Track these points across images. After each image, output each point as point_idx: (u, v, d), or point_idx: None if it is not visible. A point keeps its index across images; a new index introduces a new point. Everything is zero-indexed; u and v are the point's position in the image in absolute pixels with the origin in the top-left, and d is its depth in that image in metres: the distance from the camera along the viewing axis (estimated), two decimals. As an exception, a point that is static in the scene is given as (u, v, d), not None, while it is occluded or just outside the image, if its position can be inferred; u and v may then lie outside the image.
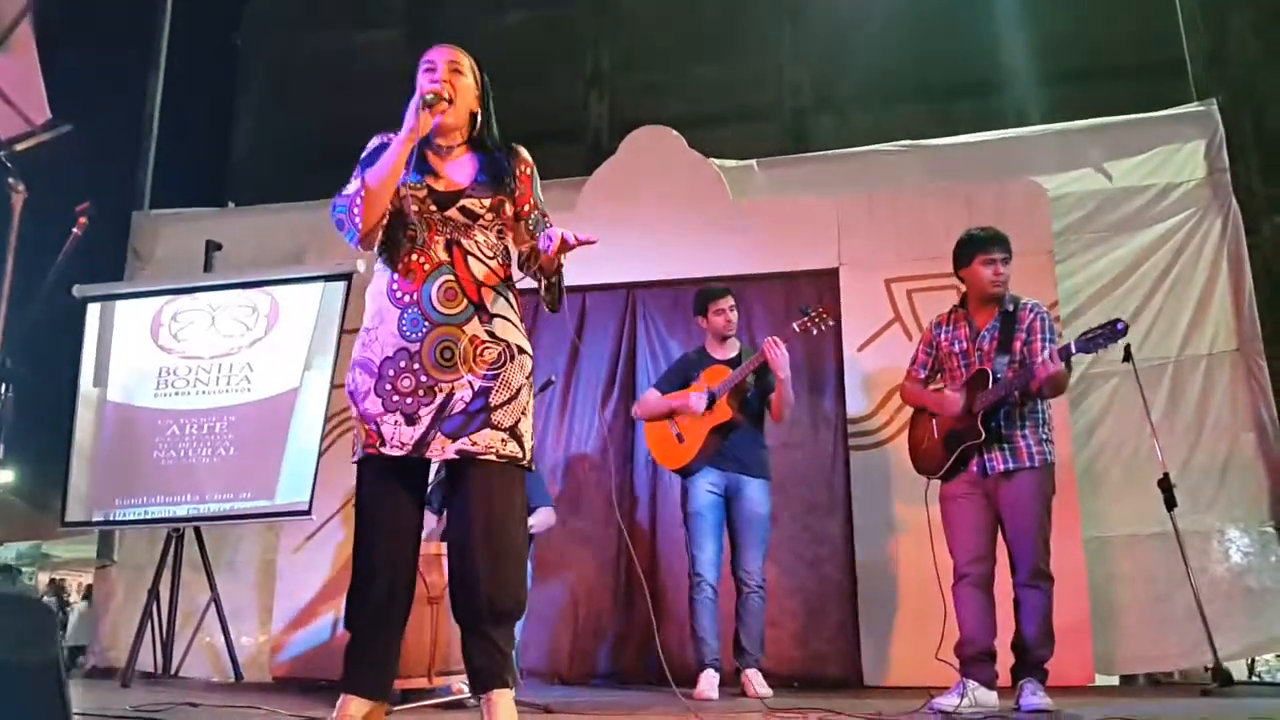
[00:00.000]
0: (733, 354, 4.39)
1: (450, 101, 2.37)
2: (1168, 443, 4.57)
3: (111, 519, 5.28)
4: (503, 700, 2.22)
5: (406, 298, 2.33)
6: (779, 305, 5.23)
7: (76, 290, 5.55)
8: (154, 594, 5.01)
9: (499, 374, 2.32)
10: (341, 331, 5.11)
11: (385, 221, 2.36)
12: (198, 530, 5.20)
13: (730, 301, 4.40)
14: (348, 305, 5.13)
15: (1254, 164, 7.05)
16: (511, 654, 2.32)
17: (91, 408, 5.41)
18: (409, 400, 2.28)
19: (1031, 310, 3.59)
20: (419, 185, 2.37)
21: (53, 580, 14.75)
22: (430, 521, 4.59)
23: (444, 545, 4.01)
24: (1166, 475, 4.27)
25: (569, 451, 5.38)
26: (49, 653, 1.40)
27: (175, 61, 6.85)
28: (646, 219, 5.43)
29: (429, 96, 2.30)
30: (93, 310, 5.53)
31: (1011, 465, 3.45)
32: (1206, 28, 6.78)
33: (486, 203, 2.39)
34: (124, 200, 6.49)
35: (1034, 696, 3.26)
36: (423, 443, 2.27)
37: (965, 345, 3.64)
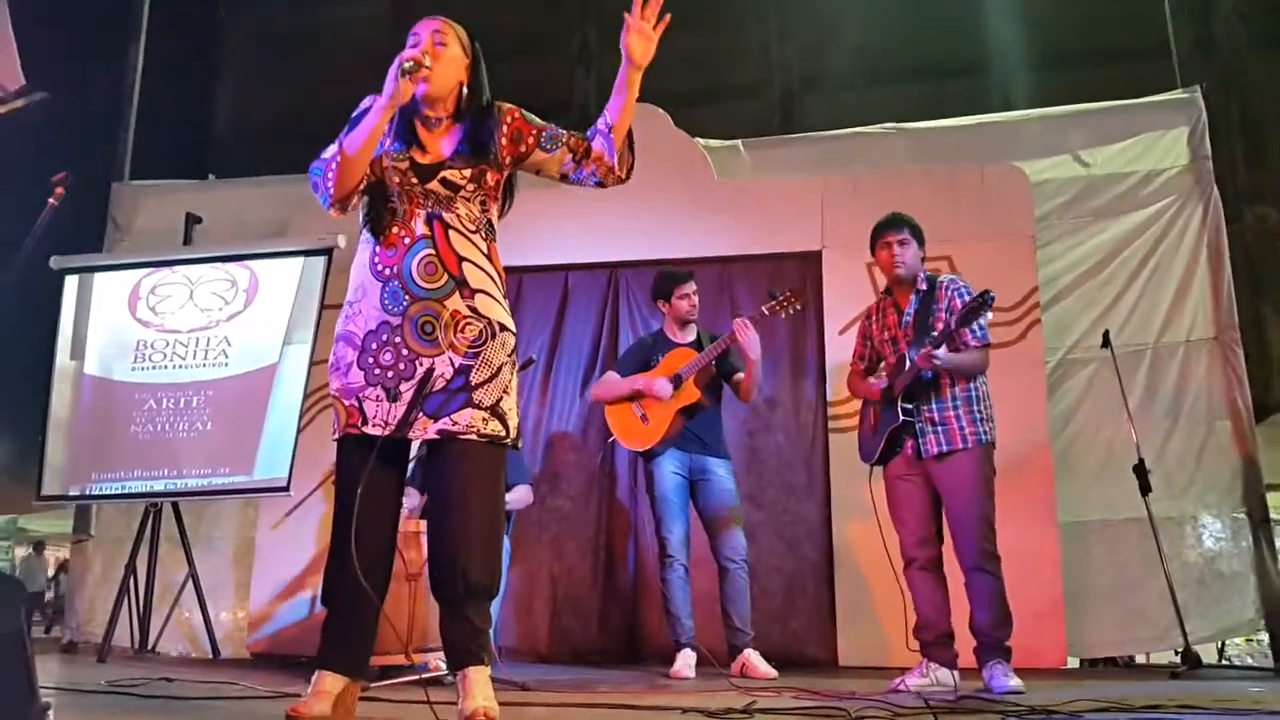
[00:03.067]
0: (692, 338, 4.39)
1: (429, 69, 2.33)
2: (1144, 429, 4.61)
3: (88, 493, 5.25)
4: (478, 677, 2.23)
5: (387, 270, 2.31)
6: (762, 287, 5.22)
7: (54, 262, 5.50)
8: (131, 569, 4.99)
9: (480, 352, 2.30)
10: (322, 307, 5.07)
11: (362, 189, 2.35)
12: (175, 505, 5.18)
13: (694, 286, 4.39)
14: (328, 280, 5.10)
15: (1237, 151, 7.09)
16: (488, 631, 2.32)
17: (68, 381, 5.37)
18: (390, 374, 2.27)
19: (948, 287, 3.62)
20: (402, 156, 2.36)
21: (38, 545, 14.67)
22: (412, 498, 4.59)
23: (423, 523, 4.02)
24: (1142, 461, 4.32)
25: (549, 430, 5.38)
26: (12, 624, 1.39)
27: (157, 32, 6.76)
28: (630, 197, 5.36)
29: (407, 64, 2.27)
30: (70, 282, 5.48)
31: (945, 447, 3.48)
32: (1192, 15, 6.81)
33: (467, 173, 2.37)
34: (104, 171, 6.42)
35: (1005, 678, 3.30)
36: (405, 422, 2.27)
37: (894, 331, 3.69)
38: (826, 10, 7.84)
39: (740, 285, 5.34)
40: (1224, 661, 6.48)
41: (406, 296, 2.28)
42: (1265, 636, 4.89)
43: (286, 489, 4.89)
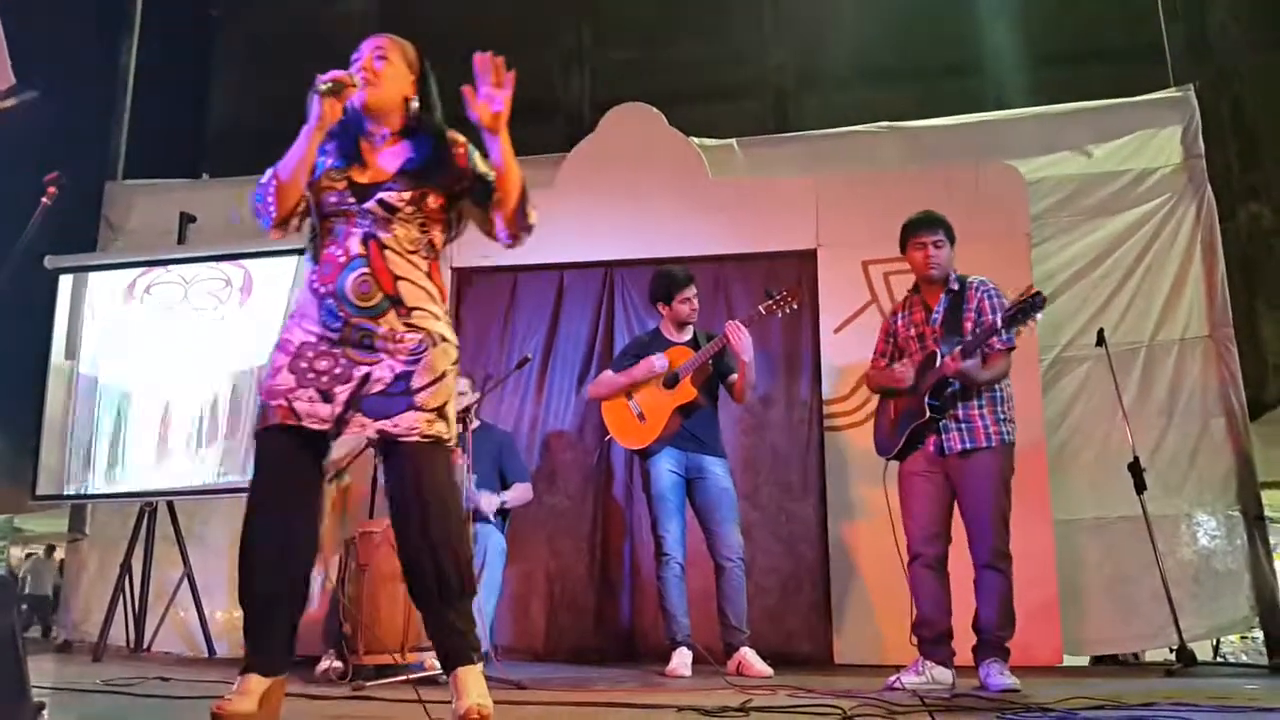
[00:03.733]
0: (688, 337, 4.38)
1: (355, 86, 2.34)
2: (1138, 427, 4.62)
3: (83, 493, 5.24)
4: (470, 676, 2.22)
5: (323, 288, 2.32)
6: (757, 285, 5.22)
7: (48, 261, 5.50)
8: (126, 568, 4.99)
9: (420, 358, 2.30)
10: (317, 306, 5.08)
11: (302, 210, 2.38)
12: (170, 505, 5.17)
13: (695, 289, 4.38)
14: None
15: (1230, 150, 7.11)
16: (473, 629, 2.31)
17: (63, 380, 5.36)
18: (324, 378, 2.28)
19: (978, 289, 3.62)
20: (340, 175, 2.37)
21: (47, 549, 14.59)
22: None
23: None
24: (1137, 459, 4.33)
25: (545, 429, 5.37)
26: (4, 621, 1.38)
27: (150, 30, 6.75)
28: (625, 196, 5.41)
29: (324, 86, 2.27)
30: (64, 281, 5.48)
31: (969, 445, 3.48)
32: (1186, 14, 6.82)
33: (406, 196, 2.35)
34: (97, 170, 6.41)
35: (1001, 676, 3.31)
36: (341, 420, 2.27)
37: (920, 328, 3.68)
38: (821, 10, 7.84)
39: (735, 284, 5.35)
40: (1219, 659, 6.49)
41: (342, 314, 2.29)
42: (1260, 634, 4.90)
43: (281, 488, 4.87)
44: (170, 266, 5.41)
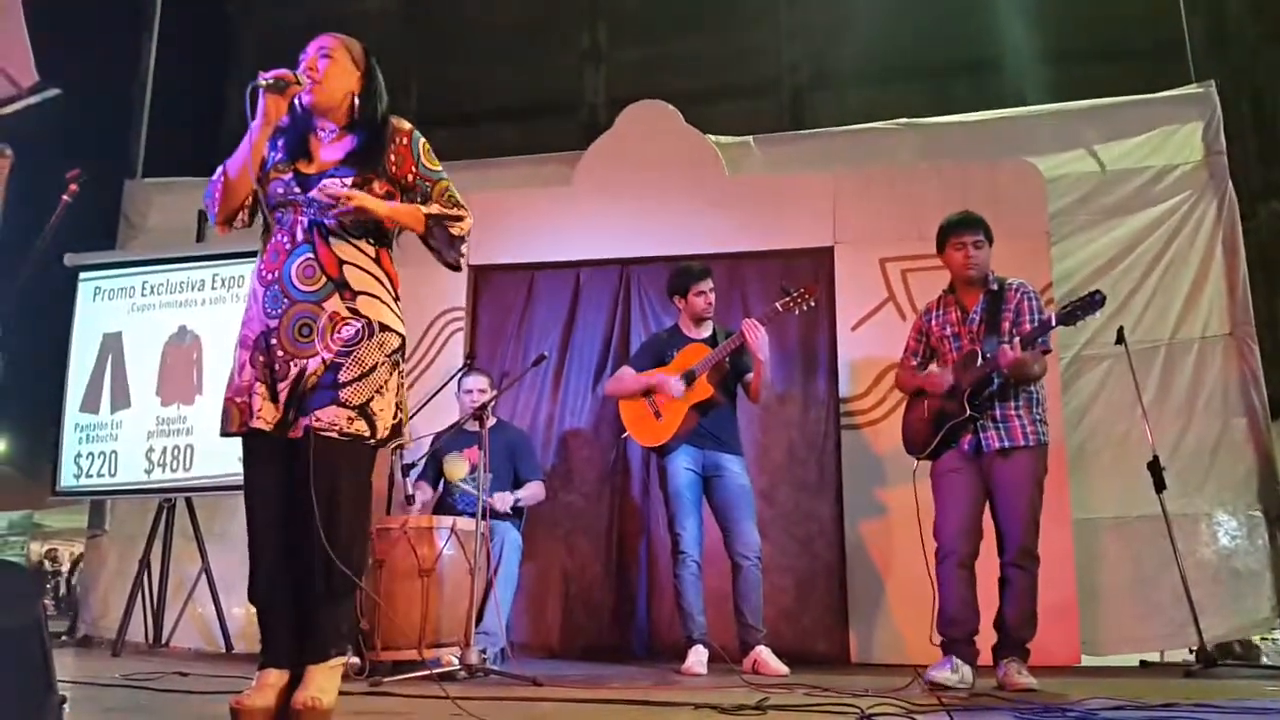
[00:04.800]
0: (707, 333, 4.37)
1: (301, 84, 2.40)
2: (1158, 426, 4.58)
3: (102, 489, 5.28)
4: (320, 672, 2.27)
5: (269, 275, 2.40)
6: (774, 283, 5.20)
7: (68, 259, 5.55)
8: (145, 564, 5.02)
9: (351, 351, 2.34)
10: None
11: (248, 205, 2.48)
12: (189, 501, 5.21)
13: (711, 283, 4.37)
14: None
15: (1251, 147, 7.05)
16: (341, 628, 2.37)
17: (82, 377, 5.41)
18: (269, 374, 2.34)
19: (1018, 290, 3.61)
20: (286, 167, 2.44)
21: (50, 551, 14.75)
22: (425, 493, 4.61)
23: (435, 518, 4.03)
24: (1156, 458, 4.29)
25: (562, 427, 5.37)
26: (31, 615, 1.40)
27: (169, 28, 6.78)
28: (642, 194, 5.40)
29: (264, 81, 2.33)
30: (84, 279, 5.53)
31: (1007, 444, 3.47)
32: (1206, 9, 6.76)
33: (349, 181, 2.40)
34: (117, 168, 6.45)
35: (1019, 676, 3.30)
36: (284, 423, 2.32)
37: (956, 328, 3.66)
38: (837, 8, 7.81)
39: (752, 281, 5.33)
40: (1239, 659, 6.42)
41: (285, 299, 2.35)
42: (1280, 635, 4.86)
43: (299, 485, 4.90)
44: (189, 264, 5.44)
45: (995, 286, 3.64)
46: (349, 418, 2.31)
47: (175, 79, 6.84)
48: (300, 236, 2.39)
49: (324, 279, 2.36)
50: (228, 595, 5.22)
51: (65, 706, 1.76)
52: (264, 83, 2.32)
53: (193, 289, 5.40)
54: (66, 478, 5.34)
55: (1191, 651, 4.51)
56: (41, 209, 4.24)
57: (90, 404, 5.37)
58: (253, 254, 5.34)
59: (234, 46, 9.04)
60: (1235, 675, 4.24)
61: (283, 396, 2.32)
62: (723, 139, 5.62)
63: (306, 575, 2.29)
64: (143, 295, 5.45)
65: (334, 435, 2.29)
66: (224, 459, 5.05)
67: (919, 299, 4.77)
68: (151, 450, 5.19)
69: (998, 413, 3.51)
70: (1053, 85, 6.41)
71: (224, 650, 5.03)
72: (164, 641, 5.08)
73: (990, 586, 3.48)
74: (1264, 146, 7.24)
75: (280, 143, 2.47)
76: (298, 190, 2.40)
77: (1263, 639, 5.07)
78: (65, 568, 14.53)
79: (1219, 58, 6.76)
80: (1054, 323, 3.40)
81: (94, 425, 5.34)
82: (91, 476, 5.28)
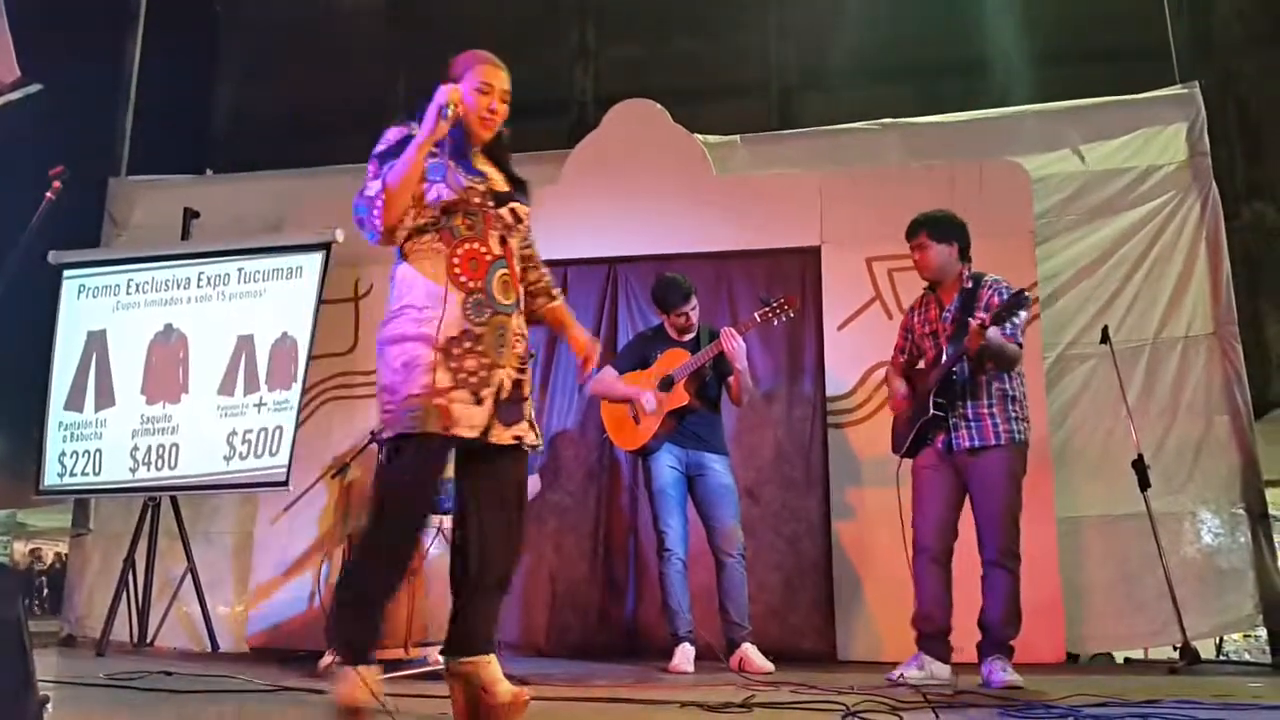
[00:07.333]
0: (691, 336, 4.37)
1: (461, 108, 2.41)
2: (1142, 424, 4.62)
3: (87, 487, 5.25)
4: (496, 665, 2.34)
5: (471, 284, 2.38)
6: (760, 282, 5.22)
7: (52, 257, 5.51)
8: (130, 563, 5.00)
9: (525, 368, 2.46)
10: (320, 302, 5.08)
11: (411, 217, 2.39)
12: (174, 500, 5.18)
13: (694, 303, 4.35)
14: (326, 275, 5.11)
15: (1235, 149, 7.08)
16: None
17: (66, 375, 5.37)
18: (474, 379, 2.33)
19: (990, 287, 3.63)
20: (479, 180, 2.45)
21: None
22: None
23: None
24: (1141, 456, 4.32)
25: (549, 426, 5.37)
26: (10, 612, 1.39)
27: (154, 25, 6.74)
28: (629, 193, 5.40)
29: (449, 110, 2.34)
30: (67, 277, 5.49)
31: (978, 442, 3.49)
32: (1191, 11, 6.79)
33: (526, 209, 2.54)
34: (101, 166, 6.41)
35: (1003, 673, 3.31)
36: (488, 428, 2.34)
37: (934, 325, 3.70)
38: (825, 7, 7.82)
39: (738, 281, 5.34)
40: (1221, 657, 6.48)
41: (488, 309, 2.38)
42: (1263, 632, 4.90)
43: (285, 483, 4.89)
44: (173, 262, 5.41)
45: (970, 284, 3.67)
46: (535, 433, 2.46)
47: (160, 76, 6.80)
48: (497, 249, 2.43)
49: (514, 295, 2.46)
50: (213, 594, 5.21)
51: (48, 706, 1.75)
52: (450, 110, 2.33)
53: (178, 287, 5.36)
54: (50, 476, 5.30)
55: (1175, 649, 4.53)
56: (25, 206, 4.21)
57: (74, 402, 5.34)
58: (237, 252, 5.34)
59: (220, 43, 8.98)
60: (1219, 672, 4.27)
61: (488, 402, 2.34)
62: (710, 138, 5.63)
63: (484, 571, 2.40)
64: (127, 293, 5.41)
65: (525, 449, 2.43)
66: (209, 458, 5.04)
67: (905, 298, 4.78)
68: (136, 449, 5.15)
69: (969, 411, 3.53)
70: (1039, 86, 6.42)
71: (209, 649, 5.01)
72: (149, 641, 5.06)
73: (975, 585, 3.49)
74: (1247, 148, 7.28)
75: (446, 150, 2.43)
76: (491, 204, 2.45)
77: (1245, 636, 5.12)
78: (46, 565, 14.43)
79: (1203, 59, 6.79)
80: (987, 324, 3.41)
81: (78, 424, 5.30)
82: (75, 475, 5.24)
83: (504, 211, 2.47)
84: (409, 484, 2.33)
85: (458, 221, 2.41)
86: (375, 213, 2.35)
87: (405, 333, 2.35)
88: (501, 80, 2.52)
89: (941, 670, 3.45)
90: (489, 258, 2.41)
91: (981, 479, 3.49)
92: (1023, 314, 3.44)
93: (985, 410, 3.52)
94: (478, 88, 2.47)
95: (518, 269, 2.51)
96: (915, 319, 3.82)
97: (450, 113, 2.34)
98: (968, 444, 3.50)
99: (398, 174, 2.33)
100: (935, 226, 3.72)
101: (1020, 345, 3.57)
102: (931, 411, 3.54)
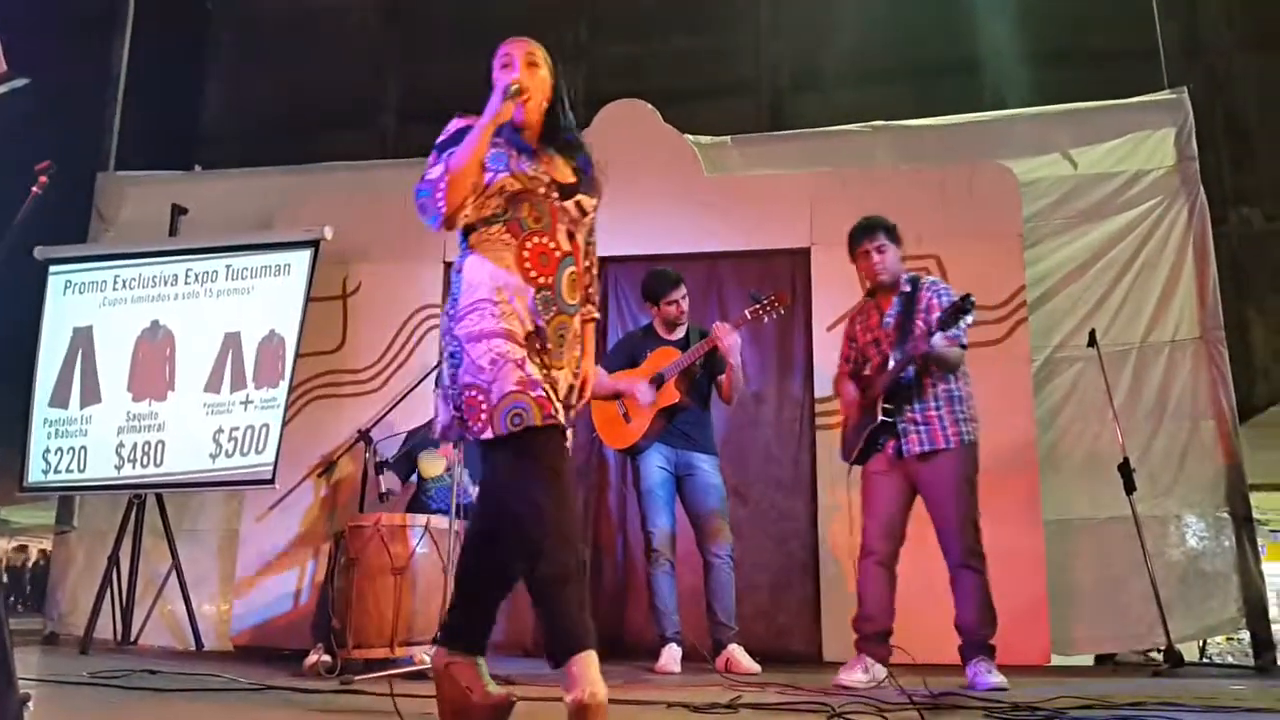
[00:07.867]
0: (681, 335, 4.37)
1: (529, 94, 2.40)
2: (1129, 428, 4.64)
3: (71, 484, 5.22)
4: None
5: (541, 279, 2.32)
6: (751, 283, 5.21)
7: (38, 252, 5.48)
8: (114, 561, 4.97)
9: (579, 374, 2.44)
10: (308, 299, 5.07)
11: (472, 203, 2.33)
12: (159, 497, 5.16)
13: (683, 291, 4.37)
14: (314, 272, 5.09)
15: (1223, 153, 7.11)
16: None
17: (51, 371, 5.34)
18: (545, 374, 2.31)
19: (929, 289, 3.65)
20: (541, 171, 2.40)
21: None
22: (394, 482, 4.55)
23: (409, 516, 4.00)
24: (1127, 460, 4.34)
25: (537, 425, 5.35)
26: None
27: (143, 21, 6.71)
28: (620, 193, 5.32)
29: (513, 87, 2.32)
30: (54, 273, 5.46)
31: (928, 447, 3.51)
32: (1180, 16, 6.82)
33: (594, 203, 2.47)
34: (89, 161, 6.37)
35: (989, 675, 3.32)
36: (566, 421, 2.36)
37: (876, 333, 3.71)
38: (817, 9, 7.83)
39: (729, 281, 5.34)
40: (1204, 659, 6.51)
41: (554, 307, 2.32)
42: (1246, 635, 4.92)
43: (272, 481, 4.87)
44: (161, 259, 5.39)
45: (908, 288, 3.68)
46: (574, 430, 2.44)
47: (148, 72, 6.77)
48: (565, 245, 2.37)
49: (579, 295, 2.41)
50: (198, 593, 5.19)
51: (29, 705, 1.74)
52: (513, 88, 2.32)
53: (165, 283, 5.34)
54: (35, 473, 5.27)
55: (1159, 651, 4.56)
56: (12, 202, 4.19)
57: (60, 399, 5.31)
58: (225, 248, 5.32)
59: (209, 39, 8.94)
60: (1203, 675, 4.29)
61: (556, 397, 2.31)
62: (701, 138, 5.63)
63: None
64: (114, 289, 5.39)
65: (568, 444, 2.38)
66: (195, 455, 5.02)
67: (894, 300, 4.79)
68: (122, 446, 5.12)
69: (918, 415, 3.55)
70: (1029, 89, 6.45)
71: (194, 648, 4.99)
72: (133, 639, 5.03)
73: (946, 590, 3.50)
74: (1234, 153, 7.32)
75: (505, 141, 2.39)
76: (556, 196, 2.39)
77: (1228, 639, 5.14)
78: (30, 562, 14.35)
79: (1192, 64, 6.83)
80: (934, 329, 3.43)
81: (63, 420, 5.27)
82: (60, 472, 5.22)
83: (569, 204, 2.41)
84: (536, 475, 2.22)
85: (525, 213, 2.35)
86: (439, 195, 2.29)
87: (486, 328, 2.27)
88: (518, 47, 2.49)
89: (880, 673, 3.48)
90: (558, 253, 2.35)
91: (934, 484, 3.52)
92: (968, 318, 3.44)
93: (934, 413, 3.54)
94: (500, 65, 2.46)
95: (583, 267, 2.45)
96: (857, 327, 3.84)
97: (514, 90, 2.32)
98: (918, 449, 3.52)
99: (461, 157, 2.29)
100: (890, 229, 3.75)
101: (964, 347, 3.59)
102: (880, 418, 3.57)
